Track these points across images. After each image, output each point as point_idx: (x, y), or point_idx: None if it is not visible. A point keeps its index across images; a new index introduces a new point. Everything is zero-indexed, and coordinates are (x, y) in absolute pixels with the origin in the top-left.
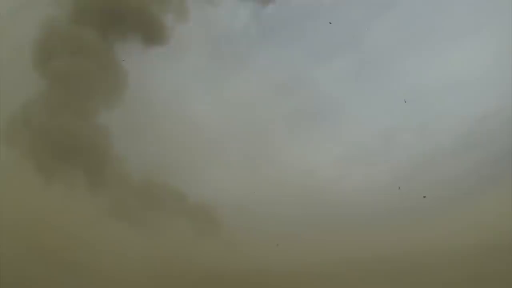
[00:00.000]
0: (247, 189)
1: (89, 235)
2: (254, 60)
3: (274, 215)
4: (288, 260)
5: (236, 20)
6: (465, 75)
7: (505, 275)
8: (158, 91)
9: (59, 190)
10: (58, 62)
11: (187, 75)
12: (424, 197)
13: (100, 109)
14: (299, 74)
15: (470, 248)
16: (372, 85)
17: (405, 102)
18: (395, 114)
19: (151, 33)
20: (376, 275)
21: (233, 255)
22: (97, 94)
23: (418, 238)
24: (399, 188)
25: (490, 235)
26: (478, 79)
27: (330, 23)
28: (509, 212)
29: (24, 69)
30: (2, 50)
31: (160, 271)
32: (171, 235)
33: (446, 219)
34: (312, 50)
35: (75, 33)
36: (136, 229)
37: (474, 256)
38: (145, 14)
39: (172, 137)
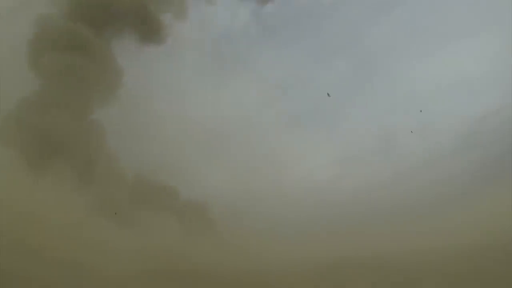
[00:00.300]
0: (246, 189)
1: (79, 232)
2: (254, 60)
3: (274, 214)
4: (288, 259)
5: (236, 20)
6: (465, 75)
7: (504, 274)
8: (158, 90)
9: (50, 188)
10: (52, 58)
11: (187, 74)
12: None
13: (95, 106)
14: (299, 74)
15: (470, 247)
16: (372, 85)
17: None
18: (395, 114)
19: (148, 31)
20: (376, 274)
21: (228, 254)
22: (91, 91)
23: (418, 237)
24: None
25: (490, 234)
26: (478, 79)
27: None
28: (509, 211)
29: (19, 68)
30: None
31: (150, 269)
32: (162, 233)
33: (446, 218)
34: (312, 50)
35: (70, 30)
36: (126, 226)
37: (474, 254)
38: (142, 12)
39: (172, 136)
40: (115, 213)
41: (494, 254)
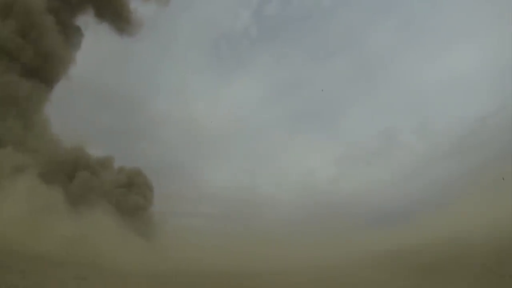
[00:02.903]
0: (246, 189)
1: None
2: (255, 61)
3: (274, 214)
4: (289, 260)
5: (237, 21)
6: (465, 75)
7: (504, 274)
8: (159, 90)
9: None
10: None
11: (188, 75)
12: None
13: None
14: (299, 75)
15: (469, 247)
16: (372, 85)
17: None
18: (395, 114)
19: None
20: (376, 274)
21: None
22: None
23: (418, 237)
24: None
25: (490, 234)
26: (478, 79)
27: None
28: (509, 211)
29: None
30: None
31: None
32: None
33: (446, 218)
34: (312, 51)
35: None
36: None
37: (474, 254)
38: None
39: (172, 136)
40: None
41: (494, 254)
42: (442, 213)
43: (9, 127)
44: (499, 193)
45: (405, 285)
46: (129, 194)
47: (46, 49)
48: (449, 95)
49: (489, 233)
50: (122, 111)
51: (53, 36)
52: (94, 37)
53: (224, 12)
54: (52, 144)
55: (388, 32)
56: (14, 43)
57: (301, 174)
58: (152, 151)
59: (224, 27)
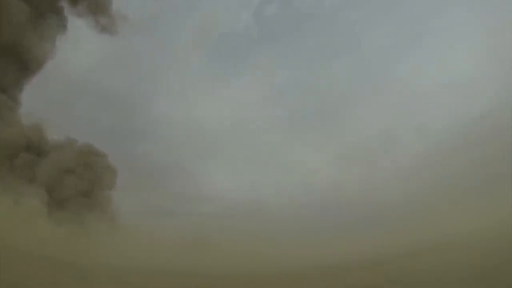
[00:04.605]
0: (246, 189)
1: None
2: (255, 61)
3: (274, 214)
4: (289, 261)
5: (237, 21)
6: (464, 76)
7: (504, 276)
8: (159, 91)
9: None
10: None
11: (188, 75)
12: None
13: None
14: (300, 75)
15: (469, 248)
16: (372, 85)
17: None
18: (395, 114)
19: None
20: (376, 275)
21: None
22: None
23: (418, 237)
24: None
25: (489, 235)
26: (476, 79)
27: None
28: (509, 212)
29: None
30: None
31: None
32: None
33: (446, 219)
34: (313, 52)
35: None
36: None
37: (474, 255)
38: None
39: (173, 137)
40: None
41: (494, 255)
42: (442, 213)
43: None
44: (500, 193)
45: (405, 286)
46: (68, 178)
47: (7, 38)
48: (449, 95)
49: (489, 233)
50: (122, 112)
51: (17, 23)
52: (94, 37)
53: (224, 12)
54: (6, 124)
55: (388, 33)
56: None
57: (301, 174)
58: (153, 152)
59: (225, 28)
